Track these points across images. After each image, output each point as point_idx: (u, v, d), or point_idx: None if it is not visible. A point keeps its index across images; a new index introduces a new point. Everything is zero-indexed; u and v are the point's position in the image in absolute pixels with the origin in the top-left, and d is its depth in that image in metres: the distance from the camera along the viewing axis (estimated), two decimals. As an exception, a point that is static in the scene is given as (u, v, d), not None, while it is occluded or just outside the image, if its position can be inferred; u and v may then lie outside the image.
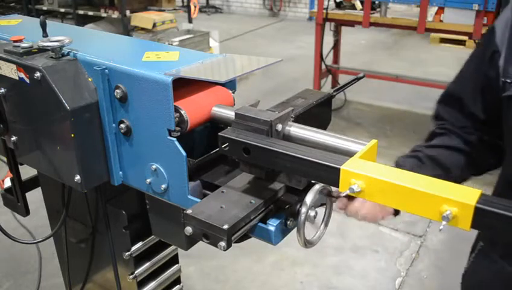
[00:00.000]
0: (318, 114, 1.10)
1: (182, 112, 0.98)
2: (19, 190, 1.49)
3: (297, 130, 0.95)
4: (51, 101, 1.02)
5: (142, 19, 6.61)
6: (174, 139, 0.97)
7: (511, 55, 1.14)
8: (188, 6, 7.28)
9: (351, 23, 5.38)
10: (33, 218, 1.83)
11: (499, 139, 1.26)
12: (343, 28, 5.90)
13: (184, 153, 0.96)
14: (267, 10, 11.32)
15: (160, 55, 1.10)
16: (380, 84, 5.76)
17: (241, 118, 0.94)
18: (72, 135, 1.02)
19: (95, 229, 1.41)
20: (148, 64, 1.03)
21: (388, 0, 4.75)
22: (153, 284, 1.41)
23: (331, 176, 0.80)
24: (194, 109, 1.01)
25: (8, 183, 1.53)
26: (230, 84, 1.13)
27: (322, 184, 0.89)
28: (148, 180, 1.06)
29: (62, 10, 7.53)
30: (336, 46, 5.89)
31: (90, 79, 1.06)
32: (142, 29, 6.62)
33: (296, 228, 0.90)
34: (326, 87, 5.66)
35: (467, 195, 0.70)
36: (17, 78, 1.09)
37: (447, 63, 7.11)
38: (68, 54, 1.10)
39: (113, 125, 1.06)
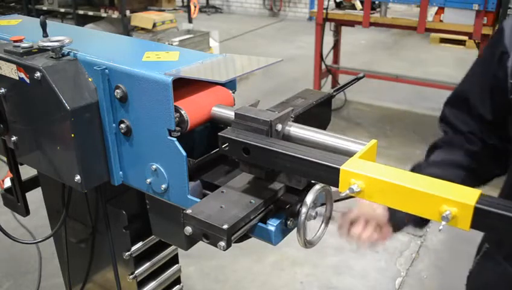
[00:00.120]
0: (318, 114, 1.10)
1: (182, 112, 0.98)
2: (19, 190, 1.49)
3: (297, 130, 0.95)
4: (51, 101, 1.02)
5: (142, 19, 6.61)
6: (174, 139, 0.97)
7: None
8: (188, 6, 7.28)
9: (351, 23, 5.38)
10: (33, 218, 1.83)
11: (505, 142, 1.25)
12: (343, 28, 5.90)
13: (184, 153, 0.96)
14: (267, 10, 11.31)
15: (160, 55, 1.10)
16: (380, 84, 5.76)
17: (241, 118, 0.94)
18: (72, 135, 1.02)
19: (95, 229, 1.41)
20: (148, 64, 1.03)
21: (388, 0, 4.75)
22: (153, 284, 1.41)
23: (331, 176, 0.80)
24: (194, 109, 1.01)
25: (8, 183, 1.53)
26: (231, 84, 1.13)
27: (322, 184, 0.89)
28: (148, 180, 1.06)
29: (62, 10, 7.52)
30: (336, 46, 5.89)
31: (90, 79, 1.06)
32: (142, 29, 6.62)
33: (296, 228, 0.90)
34: (326, 87, 5.66)
35: (466, 195, 0.70)
36: (17, 78, 1.09)
37: (447, 63, 7.12)
38: (68, 54, 1.10)
39: (113, 125, 1.06)
